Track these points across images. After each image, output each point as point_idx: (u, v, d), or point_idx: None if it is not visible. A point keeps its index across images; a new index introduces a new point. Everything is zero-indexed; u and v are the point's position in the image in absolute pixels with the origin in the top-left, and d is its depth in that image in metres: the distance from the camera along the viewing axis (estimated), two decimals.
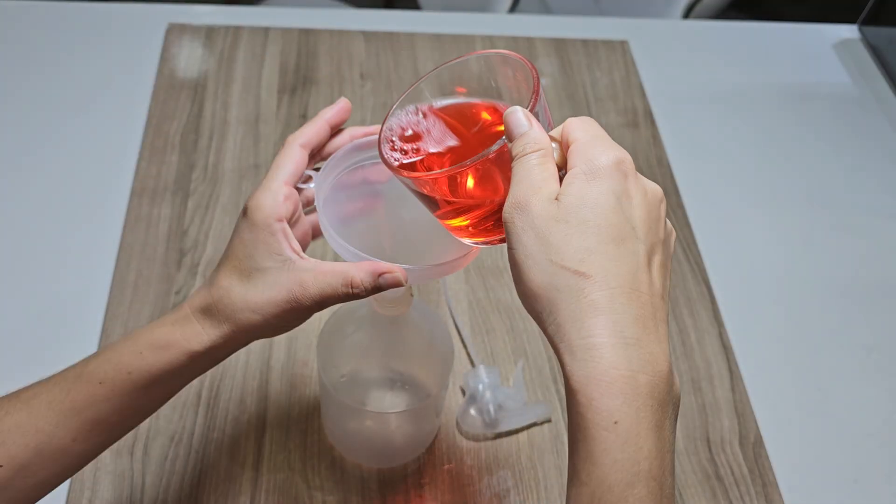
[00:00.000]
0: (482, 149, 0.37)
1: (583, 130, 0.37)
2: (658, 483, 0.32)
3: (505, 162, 0.37)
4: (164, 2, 1.00)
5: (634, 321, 0.33)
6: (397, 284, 0.41)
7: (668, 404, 0.33)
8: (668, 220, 0.38)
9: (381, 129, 0.43)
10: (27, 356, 0.66)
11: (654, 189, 0.37)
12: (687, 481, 0.64)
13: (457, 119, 0.44)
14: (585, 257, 0.33)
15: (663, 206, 0.37)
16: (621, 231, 0.34)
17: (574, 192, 0.34)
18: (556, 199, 0.35)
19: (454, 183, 0.39)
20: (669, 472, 0.33)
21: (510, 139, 0.37)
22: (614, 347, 0.32)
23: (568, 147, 0.37)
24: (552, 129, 0.39)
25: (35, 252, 0.73)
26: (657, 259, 0.35)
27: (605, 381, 0.32)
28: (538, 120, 0.37)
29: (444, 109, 0.44)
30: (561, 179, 0.36)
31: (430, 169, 0.41)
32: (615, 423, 0.32)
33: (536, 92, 0.38)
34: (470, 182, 0.39)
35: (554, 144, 0.37)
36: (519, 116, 0.37)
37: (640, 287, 0.34)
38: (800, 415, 0.69)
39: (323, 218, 0.44)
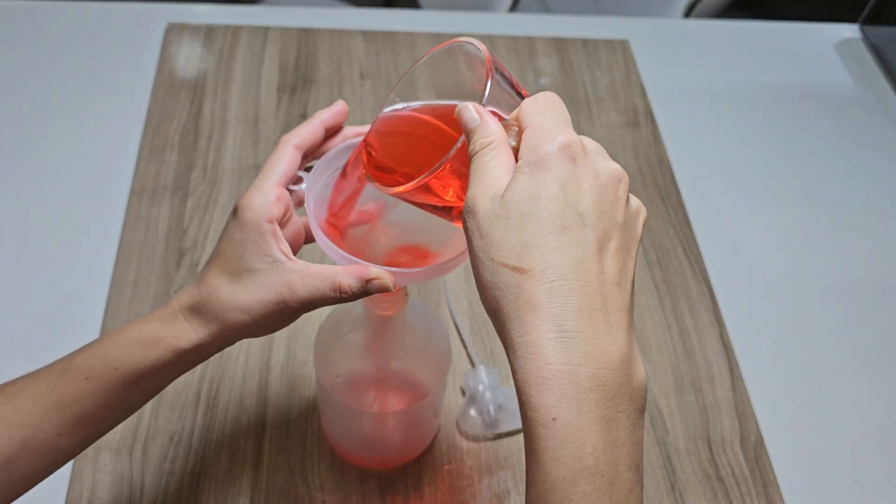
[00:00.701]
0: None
1: (534, 113, 0.36)
2: (608, 479, 0.31)
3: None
4: (164, 1, 1.00)
5: (577, 313, 0.32)
6: (385, 290, 0.41)
7: (622, 396, 0.32)
8: (633, 200, 0.36)
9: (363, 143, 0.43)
10: (27, 356, 0.66)
11: (609, 170, 0.35)
12: (687, 481, 0.63)
13: (442, 121, 0.44)
14: (523, 252, 0.33)
15: (622, 187, 0.35)
16: (564, 220, 0.33)
17: (516, 187, 0.34)
18: (502, 195, 0.34)
19: (436, 189, 0.38)
20: (627, 467, 0.32)
21: (466, 136, 0.37)
22: (552, 342, 0.31)
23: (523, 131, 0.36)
24: (525, 97, 0.38)
25: (34, 251, 0.73)
26: (613, 244, 0.34)
27: (541, 377, 0.31)
28: (500, 101, 0.37)
29: (426, 111, 0.44)
30: None
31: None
32: (553, 419, 0.31)
33: (488, 74, 0.37)
34: (450, 186, 0.39)
35: (515, 128, 0.36)
36: (467, 113, 0.37)
37: (587, 276, 0.32)
38: (800, 415, 0.69)
39: (312, 220, 0.44)
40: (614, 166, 0.35)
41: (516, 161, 0.35)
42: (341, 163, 0.47)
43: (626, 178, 0.36)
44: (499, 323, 0.33)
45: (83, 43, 0.92)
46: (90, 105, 0.86)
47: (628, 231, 0.35)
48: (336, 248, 0.42)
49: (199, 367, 0.66)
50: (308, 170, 0.46)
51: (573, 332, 0.32)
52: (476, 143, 0.36)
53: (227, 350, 0.67)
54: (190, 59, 0.92)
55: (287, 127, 0.85)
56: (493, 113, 0.37)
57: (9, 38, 0.92)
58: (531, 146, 0.34)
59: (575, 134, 0.35)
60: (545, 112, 0.36)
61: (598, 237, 0.33)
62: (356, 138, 0.47)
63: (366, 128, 0.47)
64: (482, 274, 0.34)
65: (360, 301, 0.52)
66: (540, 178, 0.33)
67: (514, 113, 0.37)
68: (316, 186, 0.46)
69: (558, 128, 0.35)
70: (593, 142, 0.36)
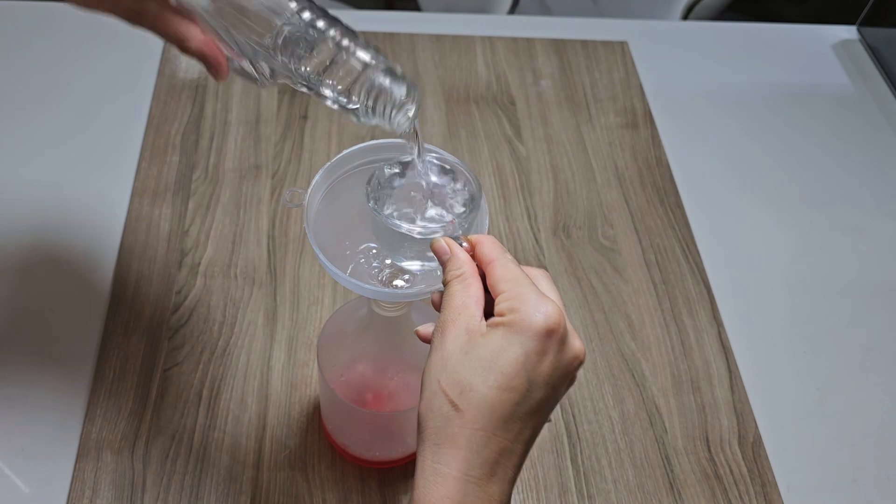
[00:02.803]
0: None
1: (504, 268, 0.38)
2: None
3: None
4: None
5: (484, 463, 0.35)
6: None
7: None
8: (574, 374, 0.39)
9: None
10: (27, 356, 0.66)
11: (574, 352, 0.37)
12: (686, 481, 0.64)
13: None
14: (465, 392, 0.35)
15: (577, 366, 0.38)
16: (512, 383, 0.35)
17: (489, 339, 0.36)
18: (469, 334, 0.37)
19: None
20: None
21: (440, 264, 0.41)
22: (457, 481, 0.35)
23: (482, 262, 0.39)
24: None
25: (36, 252, 0.73)
26: (540, 412, 0.37)
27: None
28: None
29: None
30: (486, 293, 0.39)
31: None
32: None
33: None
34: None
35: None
36: (439, 245, 0.41)
37: (506, 435, 0.36)
38: (799, 415, 0.70)
39: (311, 235, 0.44)
40: (577, 350, 0.38)
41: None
42: (339, 173, 0.48)
43: (583, 359, 0.38)
44: (420, 438, 0.37)
45: (85, 44, 0.92)
46: (92, 106, 0.86)
47: (556, 400, 0.38)
48: (337, 270, 0.43)
49: (200, 366, 0.66)
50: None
51: (476, 478, 0.35)
52: (448, 275, 0.39)
53: (229, 349, 0.67)
54: (191, 60, 0.92)
55: (288, 128, 0.86)
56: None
57: (9, 39, 0.92)
58: (515, 311, 0.36)
59: (558, 309, 0.37)
60: (511, 265, 0.39)
61: (533, 406, 0.36)
62: (351, 148, 0.48)
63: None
64: (426, 386, 0.37)
65: (363, 302, 0.53)
66: (511, 339, 0.36)
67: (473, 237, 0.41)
68: (315, 198, 0.47)
69: (544, 297, 0.37)
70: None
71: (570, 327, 0.38)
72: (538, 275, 0.40)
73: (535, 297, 0.36)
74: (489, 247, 0.39)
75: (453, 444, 0.35)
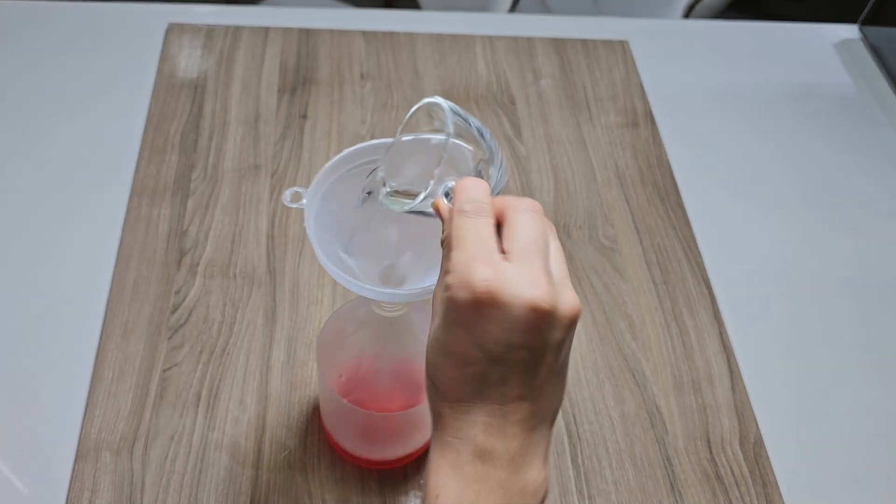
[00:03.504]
0: None
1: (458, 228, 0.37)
2: None
3: None
4: (165, 1, 1.00)
5: (472, 427, 0.35)
6: None
7: (511, 487, 0.35)
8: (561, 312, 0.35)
9: None
10: (27, 356, 0.66)
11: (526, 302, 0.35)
12: (687, 481, 0.64)
13: None
14: (436, 373, 0.37)
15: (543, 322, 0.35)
16: (467, 357, 0.35)
17: (437, 328, 0.37)
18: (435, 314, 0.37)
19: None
20: None
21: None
22: (450, 444, 0.36)
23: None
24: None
25: (34, 252, 0.73)
26: (517, 371, 0.35)
27: (437, 462, 0.36)
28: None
29: None
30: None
31: None
32: (437, 496, 0.36)
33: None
34: None
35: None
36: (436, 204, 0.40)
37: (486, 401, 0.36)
38: (800, 415, 0.70)
39: (313, 238, 0.44)
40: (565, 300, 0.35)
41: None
42: (339, 173, 0.48)
43: (571, 312, 0.35)
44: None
45: (83, 43, 0.92)
46: (91, 105, 0.86)
47: (544, 357, 0.35)
48: (338, 270, 0.43)
49: (199, 367, 0.66)
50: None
51: (467, 442, 0.35)
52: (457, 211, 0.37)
53: (228, 349, 0.67)
54: (190, 59, 0.92)
55: (287, 127, 0.86)
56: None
57: (9, 38, 0.92)
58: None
59: (546, 290, 0.34)
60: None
61: (501, 372, 0.35)
62: (351, 148, 0.47)
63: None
64: (428, 356, 0.37)
65: (363, 302, 0.53)
66: (445, 319, 0.35)
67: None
68: (315, 199, 0.47)
69: (529, 281, 0.34)
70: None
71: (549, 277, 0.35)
72: (514, 210, 0.37)
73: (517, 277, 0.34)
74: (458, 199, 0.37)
75: (440, 417, 0.37)
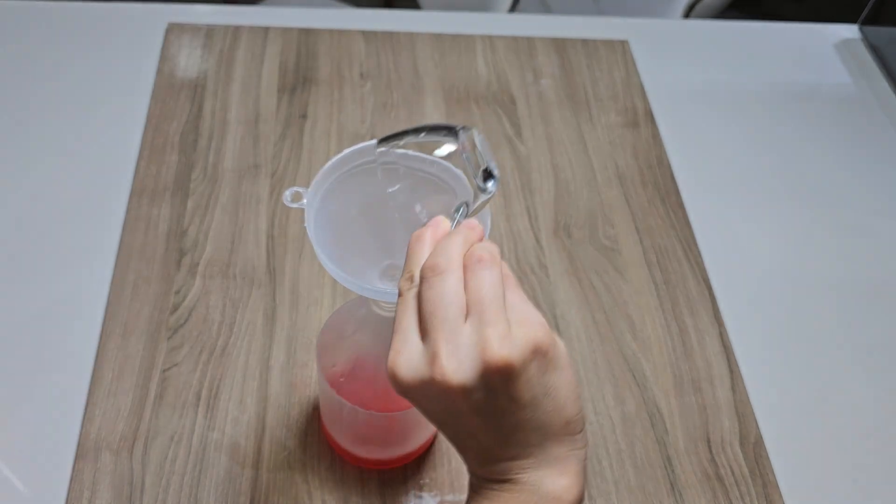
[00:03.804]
0: None
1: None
2: None
3: None
4: (164, 1, 1.00)
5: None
6: None
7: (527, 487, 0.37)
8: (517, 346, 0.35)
9: None
10: (27, 357, 0.66)
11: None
12: (687, 482, 0.64)
13: None
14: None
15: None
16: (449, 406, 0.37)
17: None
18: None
19: None
20: None
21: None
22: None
23: None
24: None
25: (34, 252, 0.73)
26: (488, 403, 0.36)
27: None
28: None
29: None
30: None
31: None
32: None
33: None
34: None
35: None
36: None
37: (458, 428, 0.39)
38: (800, 415, 0.69)
39: (313, 237, 0.44)
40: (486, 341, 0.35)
41: None
42: (339, 173, 0.48)
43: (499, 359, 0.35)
44: None
45: (83, 43, 0.92)
46: (90, 105, 0.86)
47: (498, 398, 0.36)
48: (338, 270, 0.43)
49: (199, 367, 0.66)
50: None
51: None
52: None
53: (228, 349, 0.67)
54: (190, 59, 0.92)
55: (287, 127, 0.86)
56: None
57: (9, 38, 0.92)
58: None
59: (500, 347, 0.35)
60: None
61: (473, 406, 0.36)
62: (352, 148, 0.47)
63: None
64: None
65: (363, 302, 0.53)
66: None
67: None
68: (316, 199, 0.47)
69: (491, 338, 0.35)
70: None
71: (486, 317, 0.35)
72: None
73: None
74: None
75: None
